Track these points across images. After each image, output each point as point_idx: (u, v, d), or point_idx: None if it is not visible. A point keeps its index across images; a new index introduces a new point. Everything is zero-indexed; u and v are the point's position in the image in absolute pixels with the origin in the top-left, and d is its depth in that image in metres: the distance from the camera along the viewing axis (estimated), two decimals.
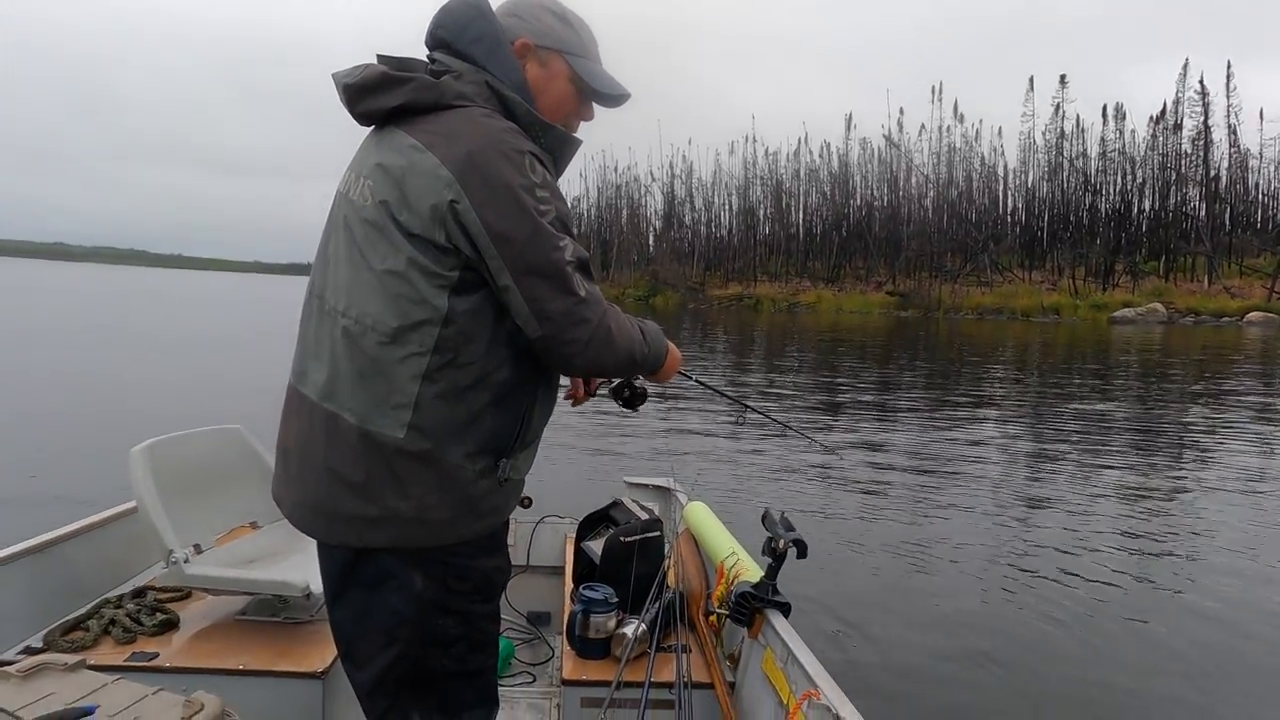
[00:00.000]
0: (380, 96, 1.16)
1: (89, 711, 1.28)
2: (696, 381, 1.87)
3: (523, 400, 1.19)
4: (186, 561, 1.94)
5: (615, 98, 1.31)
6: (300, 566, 1.98)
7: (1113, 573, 4.41)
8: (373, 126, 1.22)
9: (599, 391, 1.62)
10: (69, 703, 1.31)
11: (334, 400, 1.14)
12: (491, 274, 1.10)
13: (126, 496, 2.12)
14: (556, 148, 1.22)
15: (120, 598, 2.07)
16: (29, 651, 1.79)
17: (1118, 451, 8.08)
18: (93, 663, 1.63)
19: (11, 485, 5.37)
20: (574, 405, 1.57)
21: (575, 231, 1.18)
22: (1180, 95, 52.60)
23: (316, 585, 1.92)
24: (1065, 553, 4.74)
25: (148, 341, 17.55)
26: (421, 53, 1.24)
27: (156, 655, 1.84)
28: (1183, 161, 52.59)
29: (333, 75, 1.22)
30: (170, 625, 1.98)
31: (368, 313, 1.11)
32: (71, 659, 1.44)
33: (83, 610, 1.99)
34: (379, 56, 1.21)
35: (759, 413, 2.24)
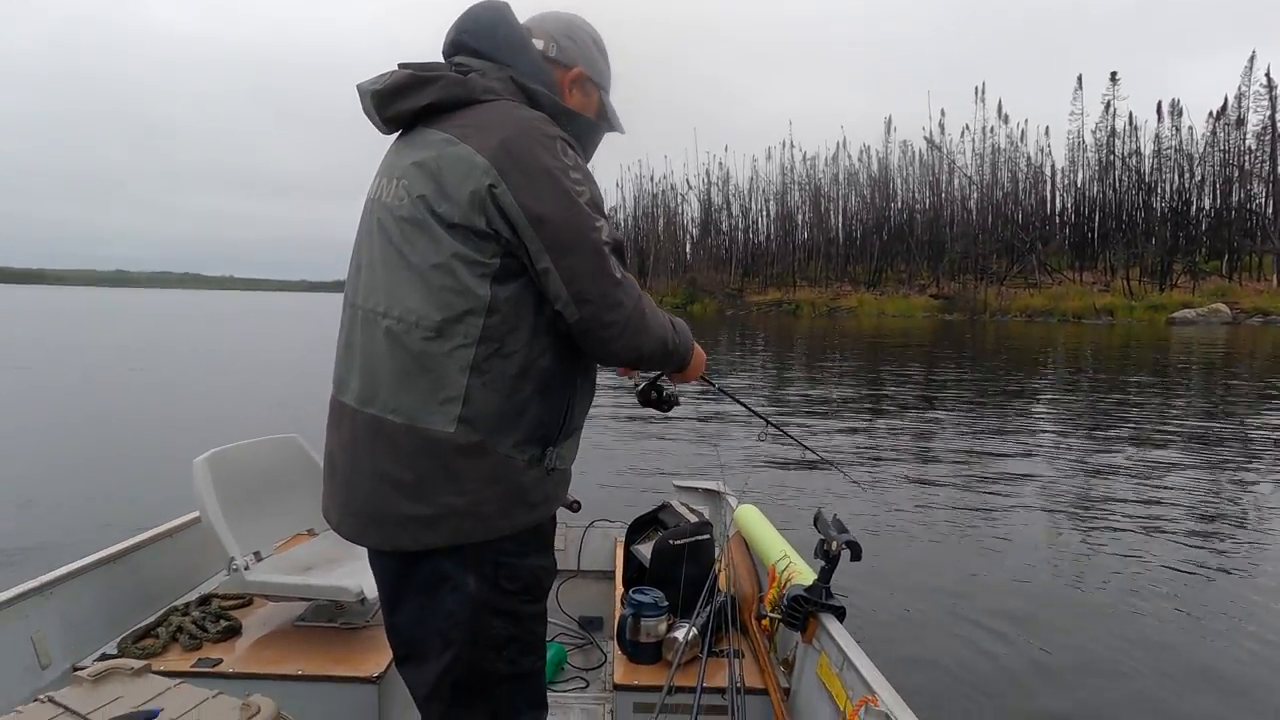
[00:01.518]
0: (410, 97, 1.17)
1: (153, 715, 1.32)
2: (719, 390, 1.83)
3: (565, 389, 1.20)
4: (247, 569, 1.98)
5: (618, 130, 1.42)
6: (355, 572, 2.01)
7: (1178, 585, 4.22)
8: (397, 135, 1.24)
9: (635, 383, 1.62)
10: (135, 706, 1.35)
11: (376, 404, 1.15)
12: (531, 257, 1.10)
13: (191, 505, 2.17)
14: (583, 134, 1.26)
15: (187, 605, 2.13)
16: (104, 658, 1.84)
17: (1184, 455, 7.74)
18: (161, 669, 1.68)
19: (88, 495, 5.58)
20: (629, 377, 1.58)
21: (607, 215, 1.20)
22: (1244, 89, 50.43)
23: (371, 590, 1.94)
24: (1127, 559, 4.55)
25: (210, 358, 18.17)
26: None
27: (220, 661, 1.89)
28: (1246, 157, 50.34)
29: (358, 85, 1.24)
30: (233, 631, 2.03)
31: (410, 310, 1.12)
32: (138, 664, 1.48)
33: (152, 618, 2.06)
34: (400, 64, 1.23)
35: (777, 428, 2.17)
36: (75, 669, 1.51)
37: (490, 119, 1.13)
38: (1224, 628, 3.65)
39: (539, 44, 1.27)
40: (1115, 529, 5.17)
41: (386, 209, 1.18)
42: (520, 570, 1.19)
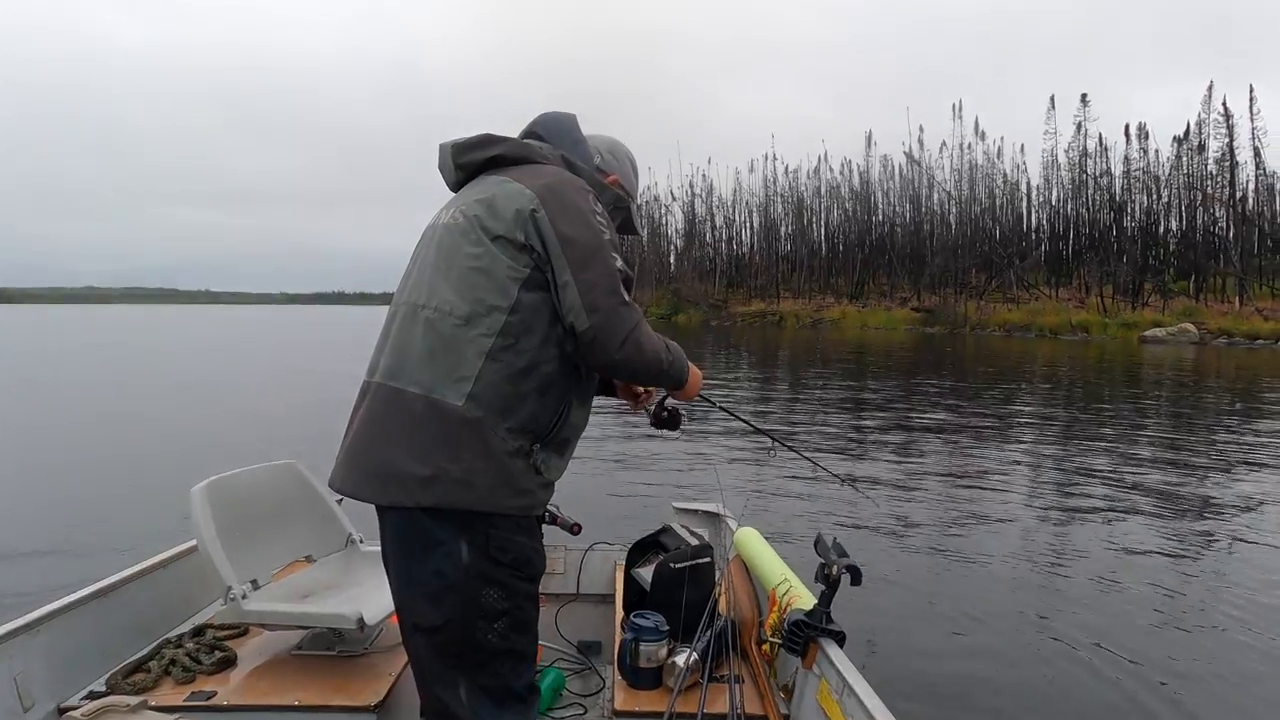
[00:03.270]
0: (483, 149, 1.48)
1: None
2: (720, 408, 1.92)
3: (562, 397, 1.37)
4: (244, 598, 1.95)
5: (637, 233, 1.71)
6: (354, 599, 1.98)
7: (1179, 599, 4.29)
8: (458, 189, 1.50)
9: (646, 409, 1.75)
10: None
11: (400, 378, 1.33)
12: (555, 273, 1.31)
13: (185, 534, 2.13)
14: (609, 204, 1.51)
15: (180, 637, 2.08)
16: (92, 696, 1.79)
17: (1160, 473, 7.88)
18: (153, 704, 1.65)
19: (77, 528, 5.36)
20: (635, 408, 1.77)
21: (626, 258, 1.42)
22: (1204, 116, 51.64)
23: (370, 616, 1.93)
24: (1111, 575, 4.62)
25: (194, 379, 17.75)
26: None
27: (215, 694, 1.85)
28: (1209, 182, 51.55)
29: (440, 144, 1.52)
30: (228, 663, 1.99)
31: (447, 300, 1.33)
32: (134, 700, 1.46)
33: (144, 652, 2.00)
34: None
35: (784, 444, 2.23)
36: (61, 709, 1.47)
37: (541, 171, 1.42)
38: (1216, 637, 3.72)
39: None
40: (1104, 546, 5.24)
41: (443, 227, 1.42)
42: (511, 544, 1.32)
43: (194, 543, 2.03)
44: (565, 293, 1.30)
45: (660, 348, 1.43)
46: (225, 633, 2.12)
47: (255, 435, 9.25)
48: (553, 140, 1.53)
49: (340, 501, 2.48)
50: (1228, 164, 50.49)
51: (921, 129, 79.72)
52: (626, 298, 1.35)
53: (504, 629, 1.32)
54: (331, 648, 2.06)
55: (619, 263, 1.36)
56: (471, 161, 1.48)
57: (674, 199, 79.96)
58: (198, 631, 2.12)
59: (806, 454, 2.35)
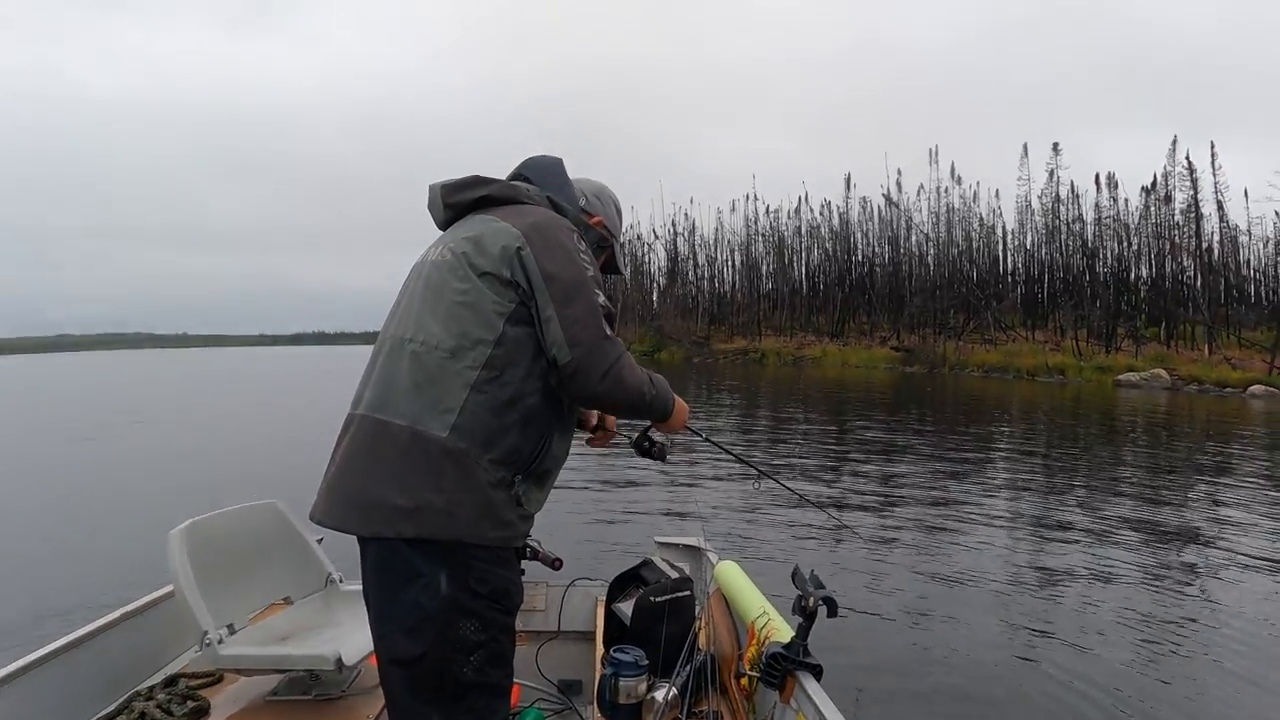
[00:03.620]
0: (471, 190, 1.54)
1: None
2: (706, 439, 1.96)
3: (544, 429, 1.40)
4: (220, 643, 1.90)
5: (620, 272, 1.80)
6: (332, 640, 1.95)
7: (1141, 637, 4.33)
8: (446, 228, 1.55)
9: (620, 433, 1.79)
10: None
11: (385, 410, 1.36)
12: (539, 308, 1.36)
13: (162, 578, 2.08)
14: (593, 243, 1.59)
15: (151, 689, 2.02)
16: None
17: (1140, 514, 7.98)
18: None
19: (57, 576, 5.26)
20: (595, 445, 1.80)
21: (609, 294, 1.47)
22: (1169, 169, 53.30)
23: (349, 656, 1.91)
24: (1092, 607, 4.66)
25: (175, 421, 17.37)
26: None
27: None
28: (1175, 232, 53.02)
29: (430, 185, 1.58)
30: (201, 713, 1.93)
31: (434, 334, 1.37)
32: None
33: (113, 706, 1.93)
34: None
35: (770, 477, 2.27)
36: None
37: (527, 210, 1.48)
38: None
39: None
40: (1097, 579, 5.29)
41: (432, 264, 1.47)
42: (490, 576, 1.34)
43: (169, 588, 1.97)
44: (549, 327, 1.34)
45: (643, 381, 1.47)
46: (199, 681, 2.06)
47: (244, 473, 9.10)
48: (539, 182, 1.59)
49: (320, 540, 2.46)
50: (1193, 215, 52.01)
51: (900, 172, 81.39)
52: (608, 332, 1.39)
53: (480, 662, 1.32)
54: (308, 692, 2.01)
55: (601, 298, 1.41)
56: (460, 201, 1.53)
57: (656, 237, 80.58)
58: (170, 681, 2.05)
59: (790, 485, 2.39)
